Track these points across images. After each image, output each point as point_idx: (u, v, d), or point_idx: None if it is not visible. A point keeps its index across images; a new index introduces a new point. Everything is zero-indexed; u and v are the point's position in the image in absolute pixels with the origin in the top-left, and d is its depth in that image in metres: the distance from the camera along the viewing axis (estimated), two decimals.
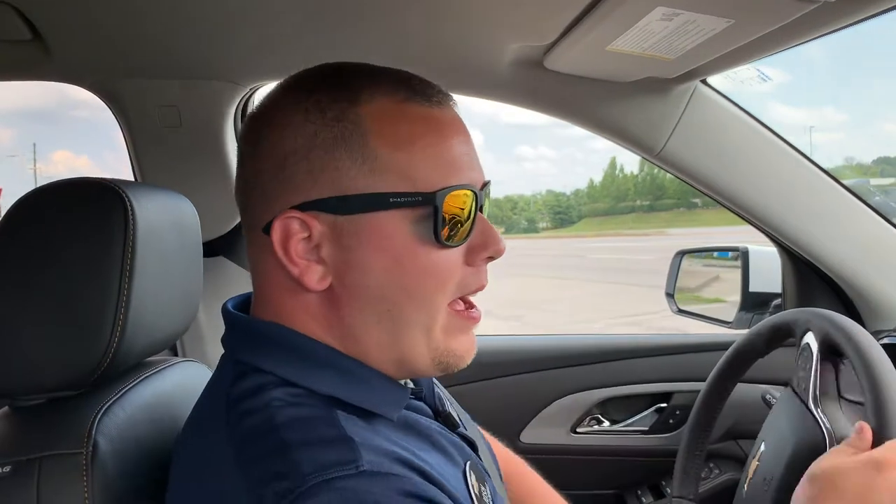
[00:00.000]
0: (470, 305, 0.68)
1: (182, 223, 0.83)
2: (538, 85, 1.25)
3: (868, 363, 0.81)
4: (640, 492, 1.56)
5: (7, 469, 0.65)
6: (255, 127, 0.67)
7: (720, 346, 1.58)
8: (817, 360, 0.95)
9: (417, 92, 0.64)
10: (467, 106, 0.74)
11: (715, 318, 1.68)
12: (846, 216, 1.33)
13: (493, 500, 0.70)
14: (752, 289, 1.57)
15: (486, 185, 0.67)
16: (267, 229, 0.63)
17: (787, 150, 1.31)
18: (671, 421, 1.55)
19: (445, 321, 0.65)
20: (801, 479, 0.74)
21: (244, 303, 0.73)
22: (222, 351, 0.70)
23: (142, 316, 0.72)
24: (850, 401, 0.95)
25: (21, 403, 0.72)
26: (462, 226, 0.63)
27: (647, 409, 1.57)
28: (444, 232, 0.62)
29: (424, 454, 0.63)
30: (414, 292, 0.63)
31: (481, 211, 0.66)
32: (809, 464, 0.79)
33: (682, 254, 1.81)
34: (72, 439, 0.66)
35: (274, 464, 0.54)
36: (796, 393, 0.98)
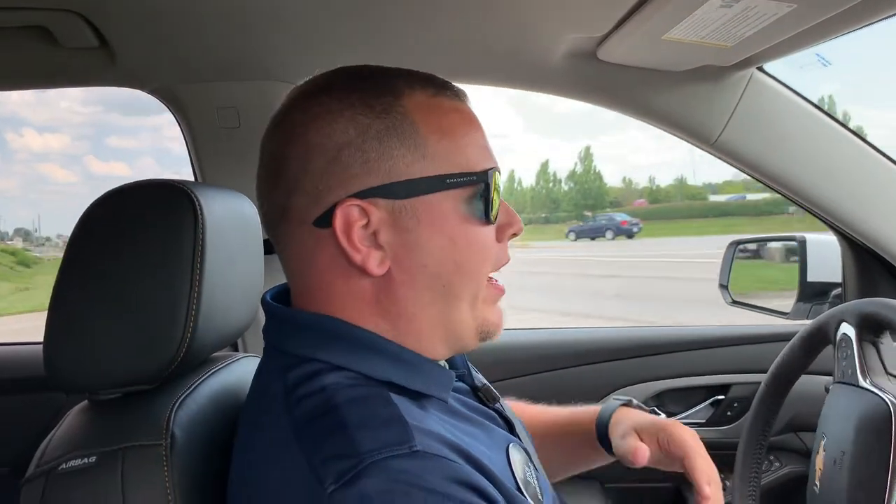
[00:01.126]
0: (495, 279, 0.74)
1: (244, 222, 0.85)
2: (591, 76, 1.24)
3: None
4: None
5: (93, 459, 0.67)
6: (295, 123, 0.68)
7: (778, 338, 1.56)
8: (858, 343, 0.96)
9: (444, 88, 0.70)
10: None
11: (772, 310, 1.65)
12: None
13: (537, 481, 0.72)
14: (810, 279, 1.54)
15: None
16: (321, 222, 0.65)
17: (847, 136, 1.28)
18: (729, 413, 1.53)
19: (486, 293, 0.71)
20: None
21: (278, 296, 0.75)
22: None
23: (211, 312, 0.74)
24: None
25: (99, 397, 0.74)
26: (497, 203, 0.69)
27: (704, 401, 1.55)
28: (492, 208, 0.68)
29: (470, 438, 0.65)
30: (465, 267, 0.68)
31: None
32: (876, 433, 0.81)
33: (735, 244, 1.78)
34: (151, 431, 0.68)
35: (334, 443, 0.57)
36: (843, 382, 0.98)
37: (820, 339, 1.08)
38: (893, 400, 0.88)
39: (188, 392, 0.75)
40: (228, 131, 1.31)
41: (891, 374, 0.94)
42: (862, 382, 0.94)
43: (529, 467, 0.73)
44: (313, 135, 0.66)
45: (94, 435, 0.70)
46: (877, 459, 0.86)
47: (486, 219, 0.68)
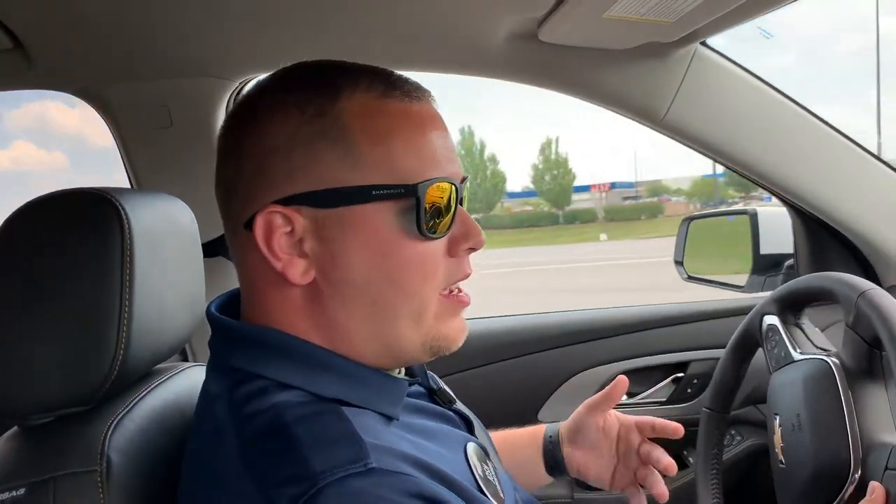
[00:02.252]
0: (458, 290, 0.70)
1: (179, 226, 0.81)
2: (533, 58, 1.22)
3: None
4: None
5: (21, 492, 0.63)
6: (234, 125, 0.67)
7: (734, 312, 1.56)
8: (783, 326, 1.03)
9: (395, 87, 0.65)
10: None
11: (726, 283, 1.66)
12: (857, 171, 1.31)
13: (497, 477, 0.72)
14: (763, 251, 1.55)
15: (464, 179, 0.69)
16: (249, 225, 0.63)
17: (793, 108, 1.28)
18: (689, 390, 1.53)
19: (437, 308, 0.67)
20: None
21: (227, 303, 0.72)
22: None
23: (146, 325, 0.71)
24: None
25: (30, 423, 0.70)
26: (443, 218, 0.65)
27: (663, 379, 1.55)
28: (427, 224, 0.63)
29: (428, 443, 0.64)
30: (401, 284, 0.64)
31: (461, 204, 0.67)
32: (825, 389, 0.87)
33: (689, 220, 1.79)
34: (85, 457, 0.65)
35: (285, 464, 0.55)
36: (780, 367, 1.01)
37: (750, 343, 1.12)
38: (827, 358, 0.93)
39: (125, 411, 0.71)
40: (160, 131, 1.26)
41: (819, 348, 0.99)
42: (797, 357, 0.98)
43: (488, 465, 0.72)
44: (246, 138, 0.65)
45: (23, 465, 0.66)
46: (832, 410, 0.88)
47: (423, 234, 0.63)
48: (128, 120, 1.27)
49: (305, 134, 0.62)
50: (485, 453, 0.73)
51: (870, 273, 1.40)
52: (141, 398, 0.75)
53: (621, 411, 1.50)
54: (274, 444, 0.57)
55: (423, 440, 0.65)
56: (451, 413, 0.77)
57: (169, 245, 0.77)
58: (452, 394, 0.81)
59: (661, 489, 0.88)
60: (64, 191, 0.71)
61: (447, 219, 0.65)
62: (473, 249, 0.69)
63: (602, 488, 0.94)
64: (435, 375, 0.84)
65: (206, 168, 1.23)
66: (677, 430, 0.91)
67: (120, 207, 0.68)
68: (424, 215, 0.63)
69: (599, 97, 1.28)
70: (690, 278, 1.73)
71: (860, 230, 1.34)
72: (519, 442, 0.98)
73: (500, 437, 0.96)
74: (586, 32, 1.12)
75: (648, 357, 1.54)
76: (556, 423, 0.98)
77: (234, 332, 0.68)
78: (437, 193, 0.63)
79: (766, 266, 1.57)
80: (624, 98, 1.27)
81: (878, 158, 1.30)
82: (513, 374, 1.52)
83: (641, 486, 0.91)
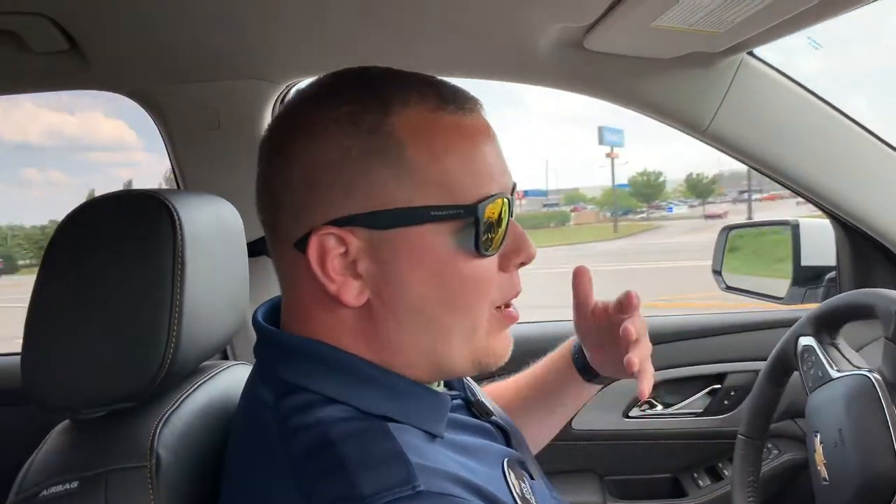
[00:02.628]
0: (507, 305, 0.69)
1: (225, 227, 0.82)
2: (578, 66, 1.22)
3: None
4: (696, 475, 1.53)
5: (75, 485, 0.65)
6: (282, 135, 0.65)
7: (774, 325, 1.54)
8: (819, 347, 1.03)
9: (448, 100, 0.63)
10: None
11: (766, 294, 1.64)
12: None
13: (533, 494, 0.70)
14: (804, 263, 1.53)
15: (514, 187, 0.68)
16: (300, 245, 0.62)
17: (840, 120, 1.26)
18: (726, 402, 1.51)
19: (488, 324, 0.66)
20: None
21: (273, 310, 0.72)
22: None
23: (195, 323, 0.72)
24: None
25: (82, 416, 0.72)
26: (497, 233, 0.63)
27: (700, 391, 1.54)
28: (483, 242, 0.62)
29: (467, 460, 0.63)
30: (455, 303, 0.63)
31: (511, 216, 0.66)
32: (867, 403, 0.86)
33: (728, 229, 1.77)
34: (135, 453, 0.66)
35: (334, 484, 0.54)
36: (818, 386, 1.01)
37: (785, 366, 1.12)
38: (869, 374, 0.93)
39: (173, 408, 0.72)
40: (208, 133, 1.28)
41: (856, 366, 0.99)
42: (834, 375, 0.98)
43: (525, 482, 0.71)
44: (297, 149, 0.63)
45: (75, 458, 0.68)
46: (875, 425, 0.88)
47: (479, 252, 0.62)
48: (177, 121, 1.29)
49: (359, 150, 0.60)
50: (521, 468, 0.72)
51: None
52: (188, 396, 0.76)
53: (657, 421, 1.52)
54: (322, 461, 0.56)
55: (465, 458, 0.64)
56: (488, 426, 0.75)
57: (217, 245, 0.79)
58: (490, 404, 0.81)
59: (642, 388, 0.80)
60: (119, 192, 0.73)
61: (500, 234, 0.64)
62: (525, 263, 0.68)
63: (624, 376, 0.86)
64: (472, 384, 0.83)
65: (251, 169, 1.25)
66: (630, 301, 0.83)
67: (172, 209, 0.70)
68: (482, 234, 0.61)
69: (643, 106, 1.28)
70: (729, 288, 1.71)
71: None
72: (547, 371, 0.97)
73: (529, 375, 0.98)
74: (633, 41, 1.12)
75: (685, 367, 1.52)
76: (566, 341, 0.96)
77: (280, 342, 0.67)
78: (493, 210, 0.62)
79: (806, 278, 1.55)
80: (668, 107, 1.26)
81: None
82: None
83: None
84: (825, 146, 1.27)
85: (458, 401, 0.75)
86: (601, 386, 0.96)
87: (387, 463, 0.55)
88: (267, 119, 1.31)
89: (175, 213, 0.70)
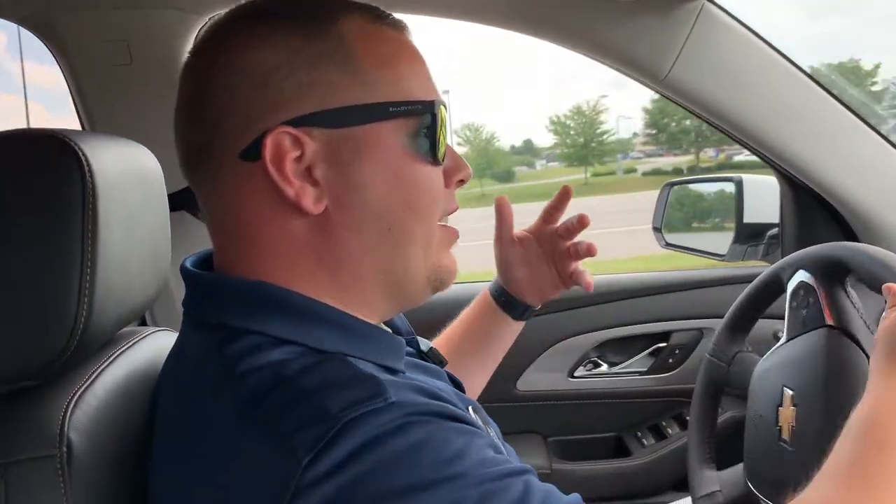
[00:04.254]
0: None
1: (144, 175, 0.72)
2: (538, 5, 1.14)
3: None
4: (639, 433, 1.54)
5: None
6: (221, 43, 0.61)
7: (717, 282, 1.55)
8: (821, 287, 0.93)
9: (384, 17, 0.64)
10: None
11: (707, 251, 1.63)
12: (854, 143, 1.26)
13: (503, 443, 0.70)
14: (746, 220, 1.52)
15: None
16: (248, 154, 0.58)
17: (796, 73, 1.23)
18: (670, 360, 1.51)
19: (439, 237, 0.67)
20: (875, 348, 0.74)
21: (202, 262, 0.68)
22: None
23: (110, 285, 0.63)
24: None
25: None
26: (443, 143, 0.64)
27: (645, 350, 1.54)
28: (439, 146, 0.63)
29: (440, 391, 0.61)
30: (415, 208, 0.62)
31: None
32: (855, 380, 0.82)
33: (670, 185, 1.75)
34: (41, 440, 0.56)
35: (297, 413, 0.50)
36: (804, 332, 0.94)
37: (774, 290, 1.04)
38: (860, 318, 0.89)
39: (87, 384, 0.63)
40: (119, 69, 1.13)
41: (866, 323, 0.90)
42: (832, 324, 0.90)
43: (491, 429, 0.71)
44: (238, 59, 0.59)
45: None
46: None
47: (433, 157, 0.62)
48: (80, 55, 1.14)
49: (309, 54, 0.58)
50: (486, 415, 0.72)
51: None
52: (103, 369, 0.66)
53: (602, 381, 1.50)
54: (280, 396, 0.52)
55: (429, 398, 0.59)
56: (445, 373, 0.75)
57: (135, 196, 0.69)
58: (443, 356, 0.79)
59: (588, 279, 0.94)
60: (15, 131, 0.62)
61: (444, 145, 0.64)
62: (463, 182, 0.69)
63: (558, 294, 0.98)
64: (423, 339, 0.80)
65: (170, 112, 1.12)
66: (582, 219, 0.93)
67: (80, 152, 0.59)
68: (438, 135, 0.62)
69: (601, 51, 1.21)
70: (668, 245, 1.70)
71: (852, 201, 1.31)
72: (473, 318, 1.01)
73: (456, 328, 1.01)
74: None
75: (630, 326, 1.51)
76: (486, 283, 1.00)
77: (218, 286, 0.63)
78: (443, 116, 0.63)
79: (748, 235, 1.54)
80: (627, 54, 1.19)
81: (880, 133, 1.26)
82: None
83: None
84: (781, 101, 1.24)
85: (410, 348, 0.74)
86: (525, 321, 1.00)
87: (353, 383, 0.52)
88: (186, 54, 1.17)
89: (83, 157, 0.59)
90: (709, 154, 26.24)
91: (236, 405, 0.53)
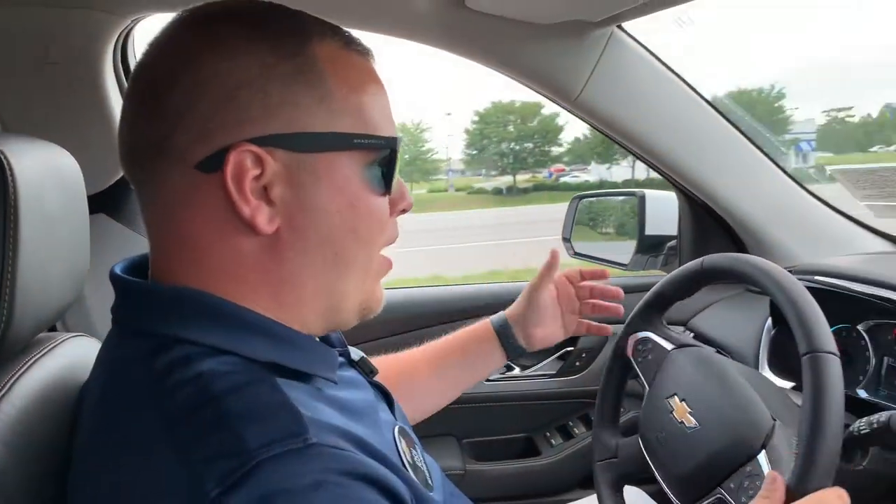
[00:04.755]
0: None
1: (64, 178, 0.71)
2: (457, 25, 1.18)
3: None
4: (548, 433, 1.60)
5: None
6: (188, 48, 0.59)
7: (623, 289, 1.63)
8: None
9: (355, 42, 0.64)
10: None
11: (611, 261, 1.72)
12: (746, 164, 1.39)
13: (424, 460, 0.71)
14: (647, 232, 1.62)
15: None
16: (206, 166, 0.57)
17: (696, 100, 1.33)
18: (577, 363, 1.59)
19: (377, 266, 0.68)
20: None
21: (132, 269, 0.66)
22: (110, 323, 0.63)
23: (30, 290, 0.62)
24: None
25: None
26: (394, 176, 0.65)
27: (553, 354, 1.60)
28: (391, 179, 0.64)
29: (358, 423, 0.60)
30: (362, 235, 0.63)
31: None
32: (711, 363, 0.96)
33: (578, 198, 1.84)
34: None
35: (215, 440, 0.49)
36: (647, 369, 1.04)
37: (622, 365, 1.11)
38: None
39: (4, 392, 0.61)
40: (36, 68, 1.10)
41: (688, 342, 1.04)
42: (670, 347, 1.03)
43: (416, 449, 0.71)
44: (208, 64, 0.57)
45: None
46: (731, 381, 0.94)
47: (385, 189, 0.64)
48: None
49: (282, 70, 0.58)
50: (412, 436, 0.72)
51: None
52: (20, 375, 0.65)
53: (513, 385, 1.56)
54: (203, 417, 0.51)
55: (354, 421, 0.60)
56: (372, 385, 0.75)
57: (55, 198, 0.68)
58: (373, 365, 0.80)
59: (617, 308, 1.09)
60: None
61: (395, 177, 0.65)
62: (405, 211, 0.70)
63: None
64: (354, 349, 0.81)
65: (89, 114, 1.11)
66: (603, 273, 1.09)
67: (1, 154, 0.59)
68: (393, 170, 0.63)
69: (519, 71, 1.27)
70: (577, 255, 1.78)
71: (743, 217, 1.43)
72: (464, 341, 1.07)
73: (445, 343, 1.07)
74: (517, 3, 1.10)
75: None
76: (498, 314, 1.07)
77: (150, 293, 0.61)
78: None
79: (649, 246, 1.64)
80: (543, 75, 1.26)
81: (769, 156, 1.39)
82: (407, 348, 1.50)
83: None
84: (681, 124, 1.34)
85: (342, 359, 0.74)
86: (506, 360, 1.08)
87: (275, 414, 0.52)
88: (108, 57, 1.14)
89: (4, 159, 0.59)
90: (543, 174, 27.08)
91: (160, 421, 0.52)
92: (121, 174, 1.20)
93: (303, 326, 0.63)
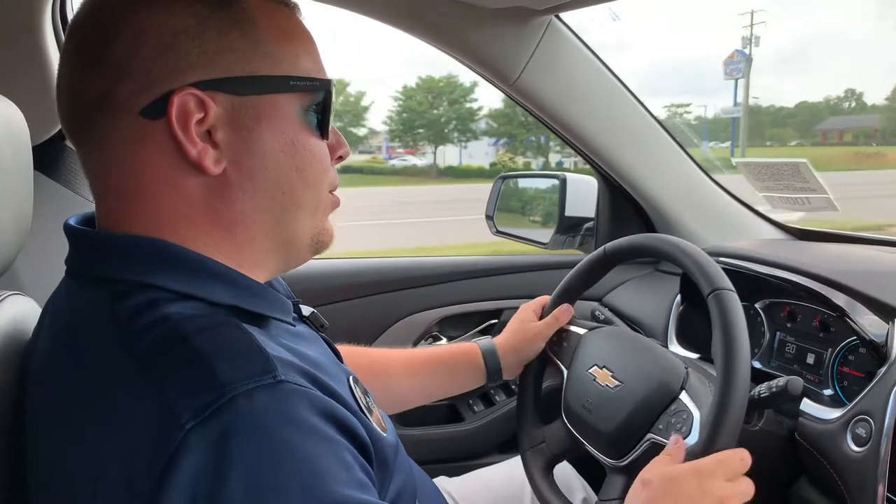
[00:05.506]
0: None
1: (11, 130, 0.70)
2: (411, 6, 1.22)
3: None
4: (471, 401, 1.67)
5: None
6: (123, 2, 0.61)
7: (540, 267, 1.73)
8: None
9: None
10: None
11: (532, 239, 1.81)
12: (664, 153, 1.50)
13: (375, 407, 0.74)
14: (567, 213, 1.71)
15: None
16: (150, 111, 0.59)
17: (623, 91, 1.43)
18: None
19: (325, 203, 0.71)
20: (635, 484, 0.81)
21: (85, 222, 0.67)
22: (43, 280, 0.65)
23: None
24: None
25: None
26: (329, 121, 0.69)
27: (479, 325, 1.67)
28: (327, 123, 0.68)
29: (316, 368, 0.63)
30: (307, 175, 0.66)
31: None
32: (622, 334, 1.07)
33: (502, 178, 1.91)
34: None
35: (188, 376, 0.52)
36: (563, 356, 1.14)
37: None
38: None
39: None
40: None
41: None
42: (583, 332, 1.14)
43: (369, 396, 0.74)
44: (145, 16, 0.60)
45: None
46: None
47: (322, 132, 0.67)
48: None
49: (217, 20, 0.61)
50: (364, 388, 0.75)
51: None
52: None
53: None
54: (175, 355, 0.54)
55: (312, 365, 0.63)
56: (323, 338, 0.79)
57: (5, 150, 0.68)
58: (324, 319, 0.83)
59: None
60: None
61: (329, 123, 0.69)
62: (342, 158, 0.74)
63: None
64: (304, 305, 0.83)
65: (25, 67, 1.08)
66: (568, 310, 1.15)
67: None
68: (329, 112, 0.67)
69: (461, 51, 1.32)
70: (499, 232, 1.86)
71: (658, 203, 1.55)
72: (452, 356, 1.14)
73: (429, 352, 1.14)
74: None
75: (468, 304, 1.65)
76: (487, 340, 1.15)
77: (108, 242, 0.63)
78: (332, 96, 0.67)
79: (568, 227, 1.74)
80: (483, 56, 1.32)
81: (682, 148, 1.51)
82: (344, 315, 1.54)
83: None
84: (607, 112, 1.44)
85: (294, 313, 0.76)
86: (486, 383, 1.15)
87: (244, 353, 0.55)
88: (47, 8, 1.10)
89: None
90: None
91: (129, 363, 0.54)
92: (55, 129, 1.16)
93: (258, 268, 0.67)
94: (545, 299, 1.18)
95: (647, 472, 0.82)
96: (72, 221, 0.66)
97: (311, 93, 0.66)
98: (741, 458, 0.80)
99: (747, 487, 0.79)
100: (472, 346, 1.14)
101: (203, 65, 0.60)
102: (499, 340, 1.15)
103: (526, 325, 1.15)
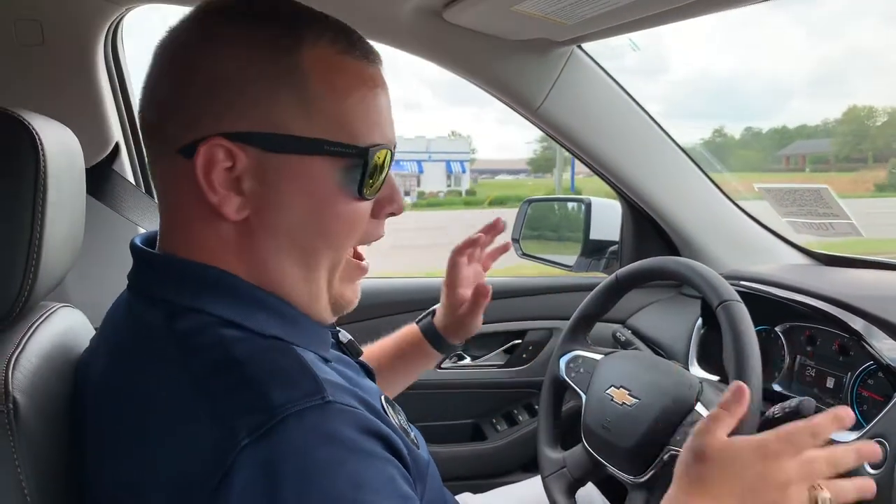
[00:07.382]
0: (361, 257, 0.74)
1: (71, 156, 0.76)
2: (435, 36, 1.27)
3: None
4: (494, 420, 1.70)
5: None
6: (185, 40, 0.63)
7: (565, 289, 1.75)
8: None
9: (356, 46, 0.65)
10: None
11: (557, 262, 1.84)
12: (686, 178, 1.53)
13: (409, 426, 0.76)
14: (592, 236, 1.74)
15: (395, 145, 0.71)
16: (186, 152, 0.61)
17: (644, 117, 1.46)
18: (524, 355, 1.69)
19: (345, 269, 0.70)
20: (684, 454, 0.75)
21: (149, 242, 0.70)
22: (90, 295, 0.68)
23: (49, 260, 0.67)
24: None
25: None
26: (377, 181, 0.67)
27: (503, 345, 1.70)
28: (366, 185, 0.65)
29: (362, 392, 0.65)
30: (328, 237, 0.66)
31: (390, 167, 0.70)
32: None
33: (529, 202, 1.95)
34: None
35: (243, 397, 0.55)
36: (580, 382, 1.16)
37: (557, 387, 1.23)
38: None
39: (20, 349, 0.66)
40: (29, 48, 1.13)
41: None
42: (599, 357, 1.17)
43: (401, 415, 0.76)
44: (199, 57, 0.62)
45: None
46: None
47: (359, 195, 0.65)
48: None
49: (266, 71, 0.61)
50: (394, 403, 0.77)
51: None
52: (30, 336, 0.70)
53: (464, 373, 1.65)
54: (229, 378, 0.56)
55: (355, 385, 0.65)
56: (359, 365, 0.81)
57: (66, 174, 0.73)
58: (359, 346, 0.86)
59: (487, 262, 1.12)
60: None
61: (380, 181, 0.67)
62: (394, 214, 0.72)
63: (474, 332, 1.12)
64: (343, 331, 0.87)
65: (79, 95, 1.15)
66: (497, 223, 1.08)
67: (33, 130, 0.64)
68: (366, 178, 0.64)
69: (489, 81, 1.37)
70: (525, 255, 1.89)
71: (680, 227, 1.57)
72: (399, 345, 1.12)
73: (377, 349, 1.11)
74: (490, 20, 1.20)
75: (492, 324, 1.67)
76: (421, 320, 1.13)
77: (168, 265, 0.65)
78: (379, 157, 0.65)
79: (593, 250, 1.76)
80: (509, 86, 1.37)
81: (704, 173, 1.53)
82: (370, 334, 1.56)
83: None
84: (630, 139, 1.47)
85: (332, 340, 0.78)
86: (442, 356, 1.14)
87: (294, 376, 0.57)
88: (100, 41, 1.18)
89: (37, 136, 0.64)
90: None
91: (186, 377, 0.57)
92: (105, 154, 1.23)
93: (298, 306, 0.67)
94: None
95: (699, 439, 0.74)
96: (137, 241, 0.69)
97: (350, 158, 0.64)
98: (812, 431, 0.71)
99: (825, 468, 0.70)
100: (410, 331, 1.13)
101: (240, 115, 0.61)
102: (436, 318, 1.12)
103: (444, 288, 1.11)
